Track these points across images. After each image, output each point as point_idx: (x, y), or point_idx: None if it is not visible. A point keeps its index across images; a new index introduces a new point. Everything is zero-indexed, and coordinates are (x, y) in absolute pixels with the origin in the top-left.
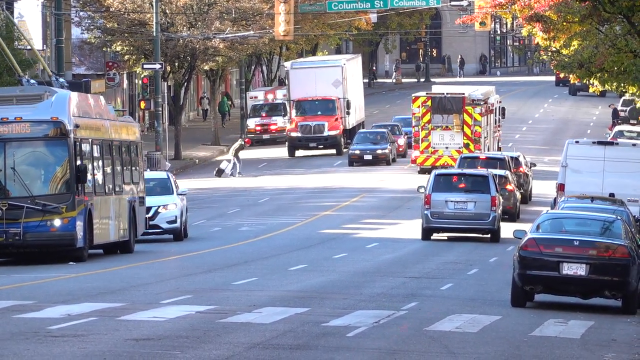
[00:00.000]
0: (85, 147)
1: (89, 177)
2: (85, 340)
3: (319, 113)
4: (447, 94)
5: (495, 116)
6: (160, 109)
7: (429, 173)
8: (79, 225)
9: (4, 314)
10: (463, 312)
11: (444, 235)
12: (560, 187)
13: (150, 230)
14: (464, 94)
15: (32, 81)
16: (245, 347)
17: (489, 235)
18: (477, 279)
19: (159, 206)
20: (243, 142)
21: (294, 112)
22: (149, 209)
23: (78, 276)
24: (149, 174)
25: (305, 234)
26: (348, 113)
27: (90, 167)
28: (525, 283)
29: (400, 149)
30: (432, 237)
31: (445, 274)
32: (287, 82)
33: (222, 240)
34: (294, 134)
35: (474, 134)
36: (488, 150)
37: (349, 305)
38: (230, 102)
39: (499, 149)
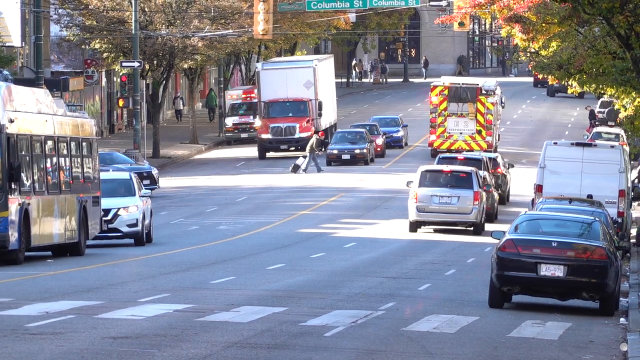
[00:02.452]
0: (23, 143)
1: (26, 175)
2: (63, 338)
3: (290, 115)
4: (462, 84)
5: (498, 106)
6: (138, 107)
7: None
8: (12, 226)
9: None
10: (441, 313)
11: (430, 228)
12: (539, 188)
13: (109, 234)
14: (478, 84)
15: None
16: (223, 346)
17: (472, 229)
18: (455, 280)
19: (118, 208)
20: (318, 137)
21: (264, 113)
22: (107, 211)
23: (56, 274)
24: (110, 174)
25: (283, 233)
26: (320, 115)
27: (28, 164)
28: (503, 284)
29: (379, 149)
30: (417, 231)
31: (423, 274)
32: (257, 83)
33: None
34: (264, 136)
35: (486, 122)
36: (499, 139)
37: (327, 304)
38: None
39: (498, 136)
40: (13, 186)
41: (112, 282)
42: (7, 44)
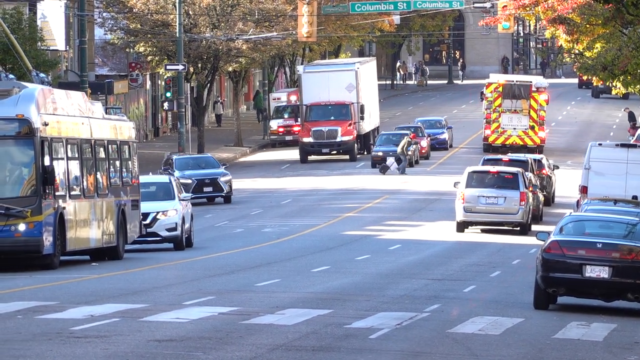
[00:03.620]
0: (57, 146)
1: (62, 178)
2: (108, 341)
3: (332, 118)
4: (516, 81)
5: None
6: (183, 110)
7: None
8: (47, 230)
9: (26, 314)
10: (486, 315)
11: (477, 229)
12: (583, 190)
13: (148, 239)
14: (531, 82)
15: (11, 76)
16: (268, 349)
17: (518, 229)
18: (500, 281)
19: (157, 212)
20: (409, 139)
21: (306, 116)
22: (146, 215)
23: (101, 277)
24: (149, 177)
25: (328, 235)
26: (362, 118)
27: (63, 168)
28: (548, 285)
29: (423, 151)
30: (465, 231)
31: (468, 276)
32: (299, 86)
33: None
34: (306, 140)
35: (539, 117)
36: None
37: (372, 307)
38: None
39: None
40: (47, 190)
41: (156, 285)
42: (51, 48)
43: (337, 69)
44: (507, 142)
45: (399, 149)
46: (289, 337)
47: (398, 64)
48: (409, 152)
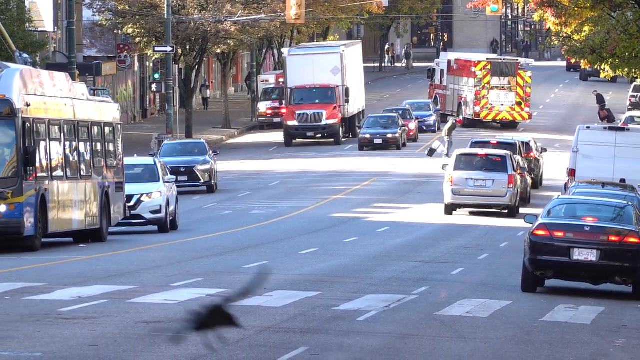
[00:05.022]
0: (40, 127)
1: (44, 160)
2: (96, 323)
3: (317, 101)
4: (503, 59)
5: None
6: (171, 91)
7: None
8: (28, 211)
9: (14, 296)
10: (474, 297)
11: (466, 211)
12: (571, 173)
13: (132, 221)
14: (518, 60)
15: None
16: (256, 331)
17: (506, 211)
18: (487, 264)
19: (142, 194)
20: (455, 122)
21: (291, 99)
22: (130, 197)
23: (89, 258)
24: (133, 159)
25: (316, 217)
26: (347, 101)
27: (45, 149)
28: (535, 268)
29: (411, 134)
30: (453, 214)
31: (456, 259)
32: (284, 69)
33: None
34: (290, 123)
35: (525, 94)
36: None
37: (360, 289)
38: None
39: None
40: (29, 171)
41: (144, 266)
42: (39, 29)
43: (322, 52)
44: (497, 118)
45: (443, 132)
46: (277, 319)
47: (387, 46)
48: (451, 136)
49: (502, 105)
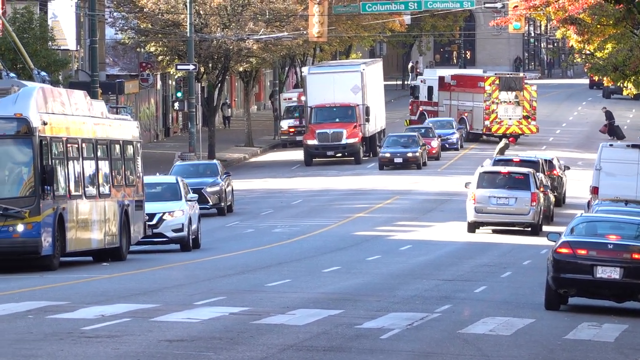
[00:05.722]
0: (58, 146)
1: (61, 178)
2: (119, 341)
3: (337, 120)
4: (510, 74)
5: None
6: (193, 110)
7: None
8: (46, 231)
9: (37, 314)
10: (497, 315)
11: (488, 229)
12: (594, 190)
13: (154, 239)
14: (525, 75)
15: (12, 74)
16: (279, 349)
17: (529, 229)
18: (510, 282)
19: (164, 212)
20: (507, 142)
21: (311, 119)
22: (152, 215)
23: (111, 277)
24: (155, 178)
25: (339, 235)
26: (367, 120)
27: (63, 168)
28: (559, 286)
29: (434, 152)
30: (475, 231)
31: (479, 277)
32: (304, 88)
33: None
34: (310, 142)
35: (532, 108)
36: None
37: (383, 307)
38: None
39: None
40: (46, 190)
41: (167, 285)
42: (62, 47)
43: (342, 70)
44: (507, 132)
45: (495, 152)
46: (299, 338)
47: (411, 64)
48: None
49: (510, 119)
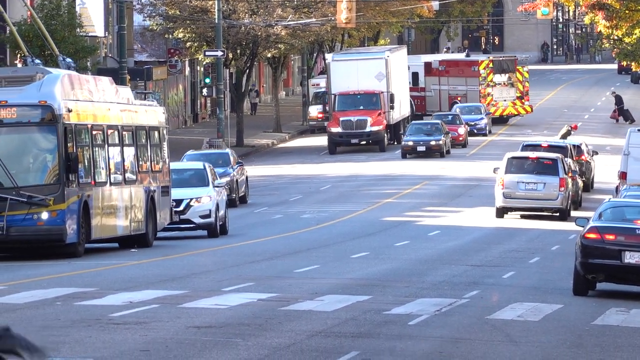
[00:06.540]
0: (82, 133)
1: (86, 165)
2: (147, 328)
3: (361, 108)
4: (503, 57)
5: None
6: (222, 96)
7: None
8: (71, 218)
9: (65, 301)
10: (525, 301)
11: (517, 214)
12: (622, 175)
13: (181, 226)
14: (516, 57)
15: (37, 61)
16: (307, 335)
17: (558, 214)
18: (539, 267)
19: (191, 199)
20: (570, 128)
21: (335, 106)
22: (179, 201)
23: (140, 263)
24: (183, 164)
25: (367, 221)
26: (392, 107)
27: (88, 155)
28: (587, 272)
29: (461, 139)
30: (504, 217)
31: (507, 262)
32: (327, 75)
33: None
34: (334, 130)
35: (524, 88)
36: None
37: (411, 293)
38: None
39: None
40: (71, 178)
41: (195, 271)
42: (90, 34)
43: (366, 57)
44: (504, 113)
45: (558, 137)
46: (327, 324)
47: (444, 50)
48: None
49: (505, 100)
